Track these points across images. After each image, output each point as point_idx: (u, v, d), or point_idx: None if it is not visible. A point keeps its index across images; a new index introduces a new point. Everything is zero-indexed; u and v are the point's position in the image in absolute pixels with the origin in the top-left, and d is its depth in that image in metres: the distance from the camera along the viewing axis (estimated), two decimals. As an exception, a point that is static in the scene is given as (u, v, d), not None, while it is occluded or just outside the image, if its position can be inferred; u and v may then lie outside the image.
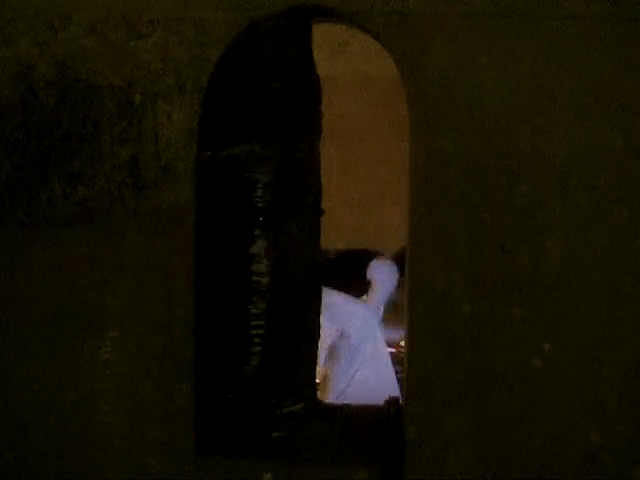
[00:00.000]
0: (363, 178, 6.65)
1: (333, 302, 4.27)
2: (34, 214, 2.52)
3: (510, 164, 2.41)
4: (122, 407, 2.53)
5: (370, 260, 4.84)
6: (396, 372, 4.72)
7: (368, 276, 4.79)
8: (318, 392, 2.77)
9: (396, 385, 4.56)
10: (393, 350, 5.00)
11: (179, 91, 2.47)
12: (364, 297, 4.80)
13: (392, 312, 5.01)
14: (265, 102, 2.58)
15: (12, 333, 2.55)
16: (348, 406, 2.73)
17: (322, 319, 2.71)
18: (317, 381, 2.82)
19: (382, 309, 4.86)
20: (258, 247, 2.59)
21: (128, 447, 2.53)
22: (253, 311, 2.60)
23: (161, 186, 2.49)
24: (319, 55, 2.69)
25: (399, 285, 4.78)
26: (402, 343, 4.96)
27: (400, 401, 2.62)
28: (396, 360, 4.81)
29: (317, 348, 2.68)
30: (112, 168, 2.50)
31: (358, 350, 4.57)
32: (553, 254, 2.41)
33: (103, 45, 2.48)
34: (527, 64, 2.40)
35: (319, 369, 2.88)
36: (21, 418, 2.56)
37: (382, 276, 4.81)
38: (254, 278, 2.59)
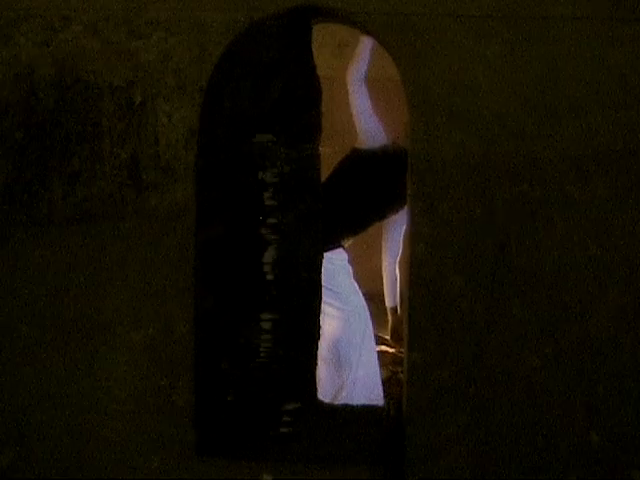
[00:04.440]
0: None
1: None
2: (34, 214, 2.52)
3: (510, 164, 2.41)
4: (123, 406, 2.53)
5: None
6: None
7: None
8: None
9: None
10: (393, 350, 5.01)
11: (179, 91, 2.47)
12: None
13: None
14: (265, 102, 2.58)
15: (12, 333, 2.55)
16: (348, 406, 2.73)
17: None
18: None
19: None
20: (258, 247, 2.59)
21: (129, 446, 2.53)
22: (253, 311, 2.60)
23: (161, 186, 2.49)
24: (319, 56, 2.69)
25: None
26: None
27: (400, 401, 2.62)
28: (396, 360, 4.81)
29: (317, 348, 2.68)
30: (112, 168, 2.50)
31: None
32: (553, 254, 2.42)
33: (103, 45, 2.48)
34: (527, 64, 2.40)
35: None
36: (21, 417, 2.56)
37: None
38: (254, 278, 2.59)
